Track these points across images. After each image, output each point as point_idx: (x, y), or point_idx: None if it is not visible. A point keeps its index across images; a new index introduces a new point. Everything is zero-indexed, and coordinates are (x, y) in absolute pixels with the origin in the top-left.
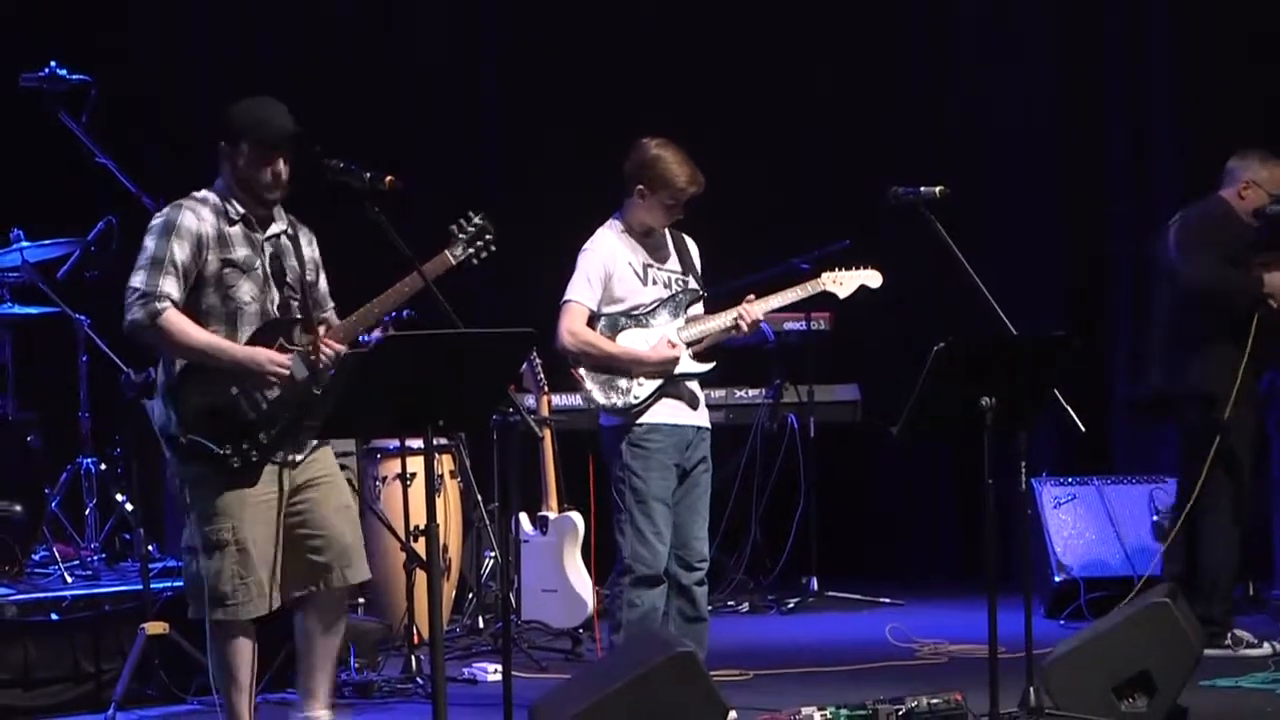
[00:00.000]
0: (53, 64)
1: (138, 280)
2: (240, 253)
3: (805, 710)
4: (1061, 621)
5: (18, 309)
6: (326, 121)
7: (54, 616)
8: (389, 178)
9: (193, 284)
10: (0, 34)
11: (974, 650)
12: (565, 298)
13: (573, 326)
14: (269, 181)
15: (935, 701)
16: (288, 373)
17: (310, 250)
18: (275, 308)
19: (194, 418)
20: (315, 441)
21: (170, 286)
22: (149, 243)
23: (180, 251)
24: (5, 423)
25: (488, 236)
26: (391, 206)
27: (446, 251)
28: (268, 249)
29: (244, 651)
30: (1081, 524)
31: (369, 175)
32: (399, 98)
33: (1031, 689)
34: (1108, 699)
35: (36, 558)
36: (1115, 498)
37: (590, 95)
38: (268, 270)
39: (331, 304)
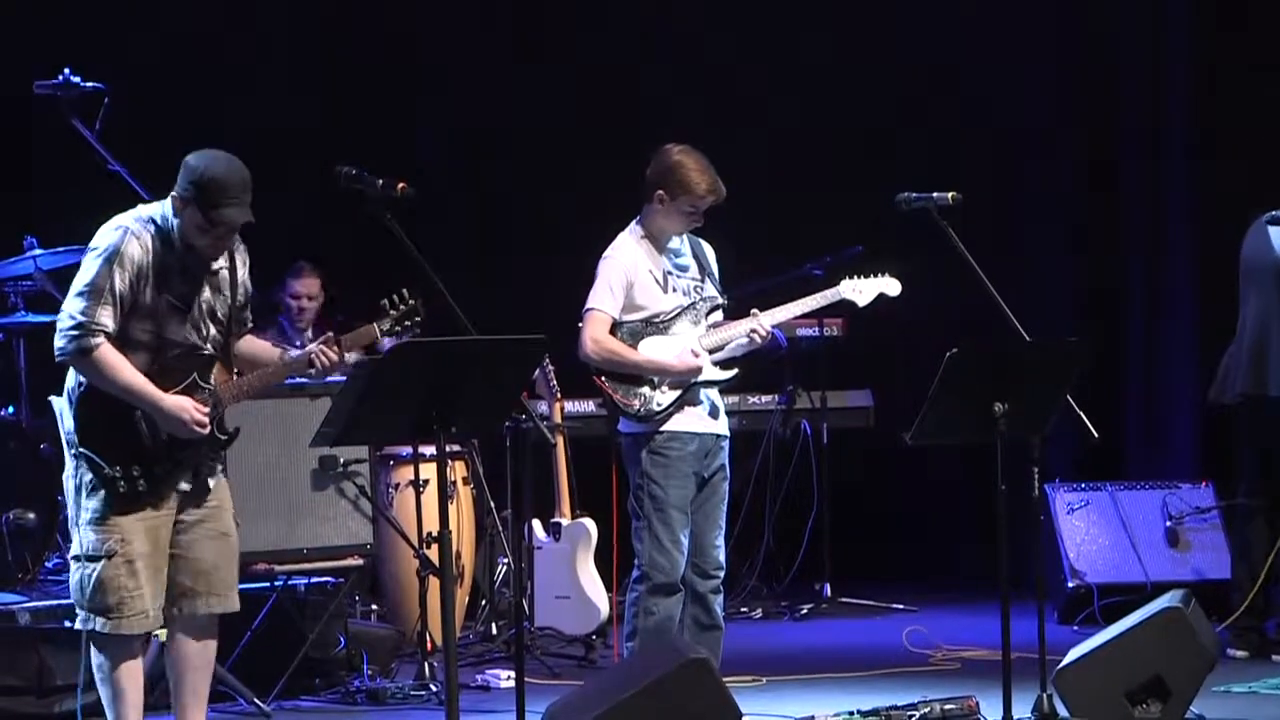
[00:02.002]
0: (66, 71)
1: (76, 308)
2: (177, 290)
3: (819, 716)
4: (1075, 627)
5: (31, 317)
6: (342, 122)
7: (67, 624)
8: (401, 184)
9: (125, 312)
10: (14, 40)
11: (987, 656)
12: (587, 306)
13: (596, 335)
14: (208, 246)
15: (949, 707)
16: (206, 431)
17: (243, 272)
18: (203, 344)
19: (91, 431)
20: (218, 477)
21: (106, 318)
22: (91, 266)
23: (120, 281)
24: (18, 431)
25: (416, 318)
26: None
27: (374, 324)
28: (207, 286)
29: (132, 669)
30: (1095, 530)
31: (381, 182)
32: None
33: (1045, 695)
34: (1121, 705)
35: (49, 565)
36: (1128, 504)
37: (612, 100)
38: (203, 309)
39: (250, 321)
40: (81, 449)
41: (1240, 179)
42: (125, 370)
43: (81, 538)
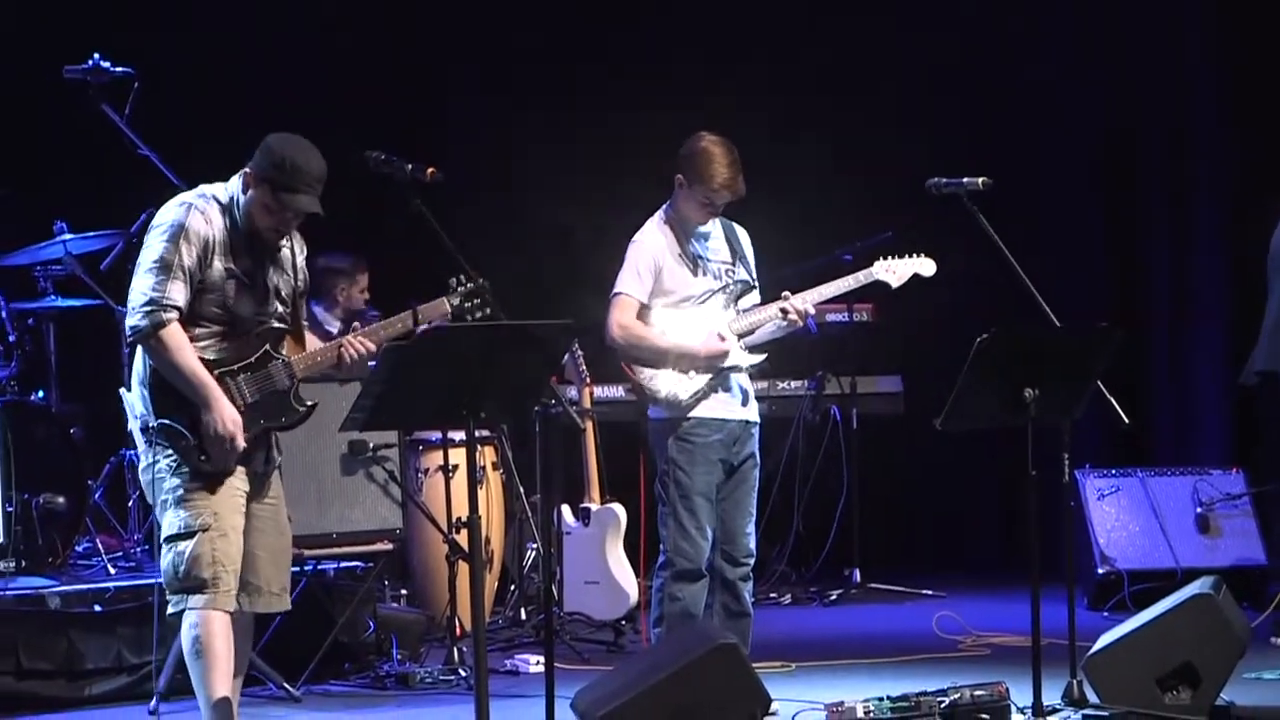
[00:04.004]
0: (96, 56)
1: (146, 285)
2: (244, 264)
3: (848, 702)
4: (1105, 613)
5: (61, 301)
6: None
7: (97, 608)
8: (430, 170)
9: (194, 288)
10: (44, 26)
11: (1017, 642)
12: (615, 290)
13: (622, 319)
14: (271, 229)
15: (979, 693)
16: (237, 448)
17: (300, 259)
18: (271, 318)
19: (168, 403)
20: (278, 458)
21: (178, 294)
22: (157, 244)
23: (188, 256)
24: (48, 415)
25: (482, 297)
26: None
27: (444, 299)
28: (270, 262)
29: (226, 644)
30: (1125, 516)
31: (410, 167)
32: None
33: (1075, 681)
34: (1151, 691)
35: (80, 549)
36: (1159, 489)
37: (646, 77)
38: (269, 284)
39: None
40: (161, 420)
41: (1271, 162)
42: (188, 354)
43: (170, 519)
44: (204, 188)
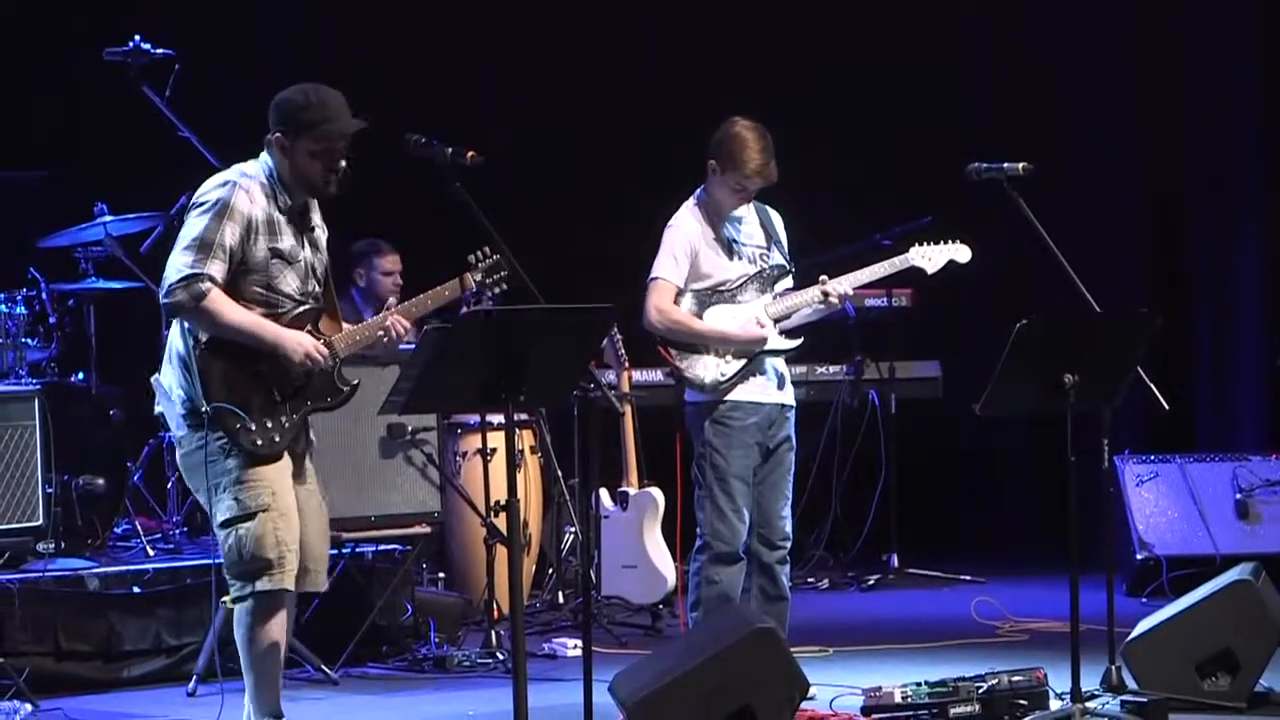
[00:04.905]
0: (137, 38)
1: (184, 261)
2: (287, 243)
3: (886, 687)
4: (1143, 600)
5: (101, 283)
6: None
7: (136, 590)
8: (470, 153)
9: (235, 268)
10: (85, 8)
11: (1055, 628)
12: (652, 275)
13: (660, 304)
14: (328, 178)
15: (1017, 679)
16: (324, 361)
17: (324, 240)
18: (310, 298)
19: (219, 387)
20: (314, 441)
21: (216, 269)
22: (199, 221)
23: (230, 235)
24: (88, 396)
25: (503, 272)
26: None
27: (466, 274)
28: (307, 241)
29: (283, 627)
30: (1164, 502)
31: (450, 150)
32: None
33: (1113, 667)
34: (1190, 677)
35: (119, 531)
36: (1198, 476)
37: (679, 65)
38: (309, 263)
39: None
40: (214, 405)
41: None
42: (238, 311)
43: (226, 502)
44: (240, 166)
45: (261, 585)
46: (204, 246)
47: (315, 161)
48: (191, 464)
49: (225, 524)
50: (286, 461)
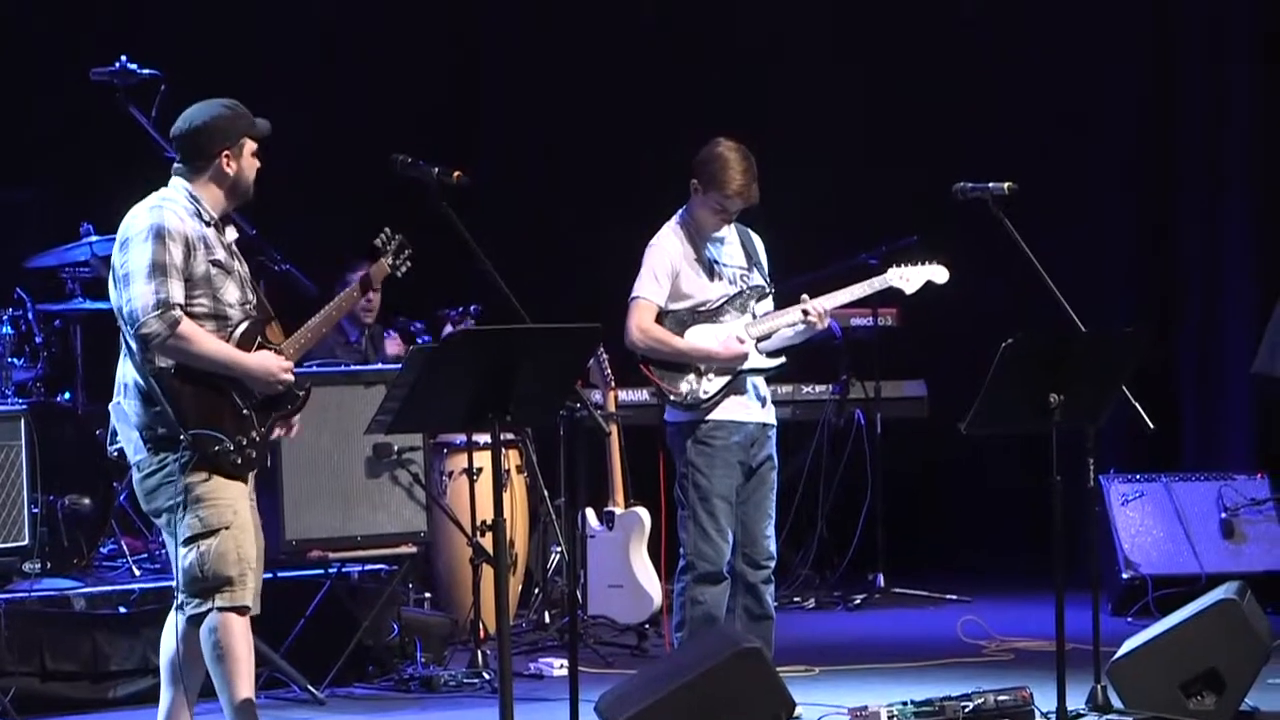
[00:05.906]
0: (123, 58)
1: (148, 290)
2: (221, 254)
3: (872, 707)
4: (1129, 619)
5: (88, 303)
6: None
7: (122, 610)
8: (456, 173)
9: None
10: (72, 28)
11: (1041, 647)
12: (633, 294)
13: (641, 323)
14: (253, 178)
15: (1003, 698)
16: (290, 378)
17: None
18: (253, 307)
19: (194, 411)
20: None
21: (178, 293)
22: (144, 249)
23: (177, 254)
24: (74, 416)
25: (408, 251)
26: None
27: (382, 260)
28: (232, 253)
29: (247, 644)
30: (1149, 521)
31: (437, 170)
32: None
33: (1099, 686)
34: (1175, 696)
35: (104, 551)
36: (1183, 495)
37: (654, 85)
38: (241, 274)
39: None
40: (194, 431)
41: None
42: (209, 340)
43: (190, 519)
44: (153, 195)
45: (220, 602)
46: (160, 269)
47: (250, 165)
48: (151, 485)
49: (188, 541)
50: (250, 480)
